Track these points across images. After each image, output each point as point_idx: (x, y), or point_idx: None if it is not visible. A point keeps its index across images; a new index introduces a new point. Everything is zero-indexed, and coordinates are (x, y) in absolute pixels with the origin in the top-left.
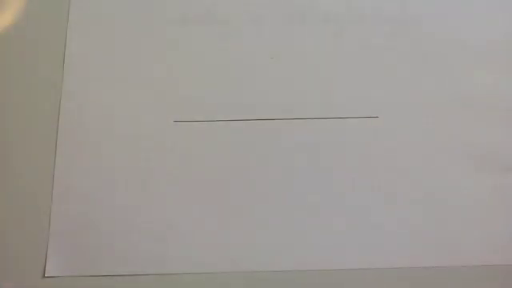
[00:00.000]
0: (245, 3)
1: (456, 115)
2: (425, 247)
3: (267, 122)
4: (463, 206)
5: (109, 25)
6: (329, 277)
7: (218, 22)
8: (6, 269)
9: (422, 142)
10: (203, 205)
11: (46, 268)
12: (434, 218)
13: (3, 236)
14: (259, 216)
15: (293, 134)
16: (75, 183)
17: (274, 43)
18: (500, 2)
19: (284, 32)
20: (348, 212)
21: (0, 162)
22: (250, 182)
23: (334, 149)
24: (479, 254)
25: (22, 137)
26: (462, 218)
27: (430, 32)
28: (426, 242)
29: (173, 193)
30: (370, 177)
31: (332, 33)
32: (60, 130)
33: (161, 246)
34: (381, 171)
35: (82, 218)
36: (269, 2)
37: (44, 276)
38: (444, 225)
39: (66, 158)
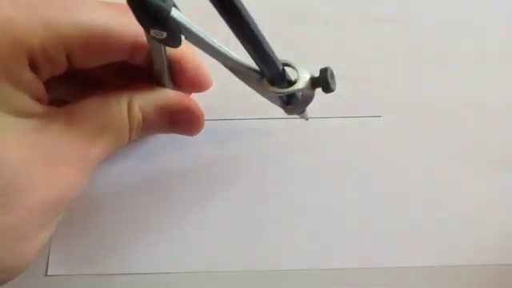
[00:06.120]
0: (245, 3)
1: (457, 115)
2: (425, 247)
3: (268, 121)
4: (463, 205)
5: None
6: (328, 276)
7: (217, 21)
8: None
9: (423, 141)
10: (203, 204)
11: (49, 267)
12: (434, 218)
13: None
14: (259, 215)
15: (294, 133)
16: None
17: (274, 43)
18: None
19: (284, 32)
20: (348, 211)
21: None
22: (249, 181)
23: (336, 148)
24: (479, 254)
25: None
26: (462, 218)
27: (432, 31)
28: (426, 242)
29: (172, 192)
30: (372, 176)
31: (333, 32)
32: None
33: (161, 245)
34: (382, 170)
35: (83, 216)
36: (270, 2)
37: (46, 274)
38: (444, 225)
39: None
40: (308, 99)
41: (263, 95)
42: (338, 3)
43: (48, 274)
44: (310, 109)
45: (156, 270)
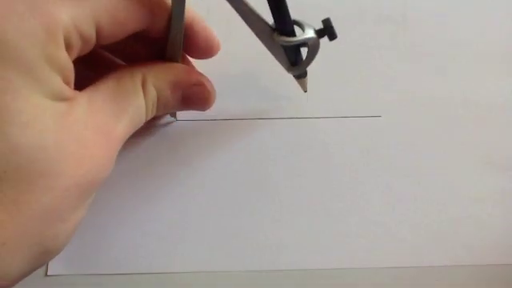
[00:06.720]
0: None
1: (457, 115)
2: (425, 247)
3: (269, 121)
4: (463, 206)
5: None
6: (328, 276)
7: (218, 22)
8: None
9: (423, 141)
10: (203, 204)
11: (49, 267)
12: (433, 218)
13: None
14: (259, 215)
15: (294, 133)
16: None
17: None
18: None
19: None
20: (348, 211)
21: None
22: (250, 181)
23: (336, 148)
24: (479, 254)
25: None
26: (462, 218)
27: (432, 31)
28: (426, 242)
29: (173, 192)
30: (372, 176)
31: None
32: None
33: (161, 245)
34: (382, 171)
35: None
36: None
37: (46, 274)
38: (444, 225)
39: None
40: (314, 51)
41: (271, 51)
42: (338, 3)
43: (48, 274)
44: (310, 108)
45: (156, 270)
